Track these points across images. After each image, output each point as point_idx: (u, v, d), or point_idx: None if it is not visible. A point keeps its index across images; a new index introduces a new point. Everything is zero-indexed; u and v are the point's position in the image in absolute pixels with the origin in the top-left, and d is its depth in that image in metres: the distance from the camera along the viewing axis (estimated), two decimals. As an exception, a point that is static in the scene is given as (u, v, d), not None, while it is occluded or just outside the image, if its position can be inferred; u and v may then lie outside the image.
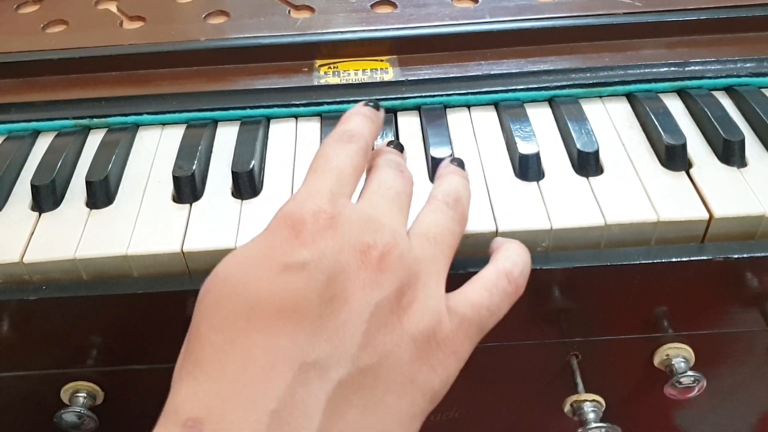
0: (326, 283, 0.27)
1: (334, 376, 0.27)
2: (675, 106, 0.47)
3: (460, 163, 0.38)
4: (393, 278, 0.29)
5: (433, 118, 0.46)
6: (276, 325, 0.26)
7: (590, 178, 0.42)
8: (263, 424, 0.25)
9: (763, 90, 0.47)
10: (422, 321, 0.29)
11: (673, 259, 0.38)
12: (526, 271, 0.34)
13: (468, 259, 0.39)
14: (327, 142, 0.34)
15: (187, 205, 0.42)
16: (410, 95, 0.48)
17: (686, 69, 0.48)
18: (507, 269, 0.33)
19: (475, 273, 0.38)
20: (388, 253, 0.29)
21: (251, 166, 0.43)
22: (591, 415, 0.43)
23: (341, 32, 0.52)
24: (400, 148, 0.38)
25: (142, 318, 0.41)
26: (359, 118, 0.36)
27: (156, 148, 0.46)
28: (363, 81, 0.49)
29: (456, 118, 0.47)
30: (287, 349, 0.26)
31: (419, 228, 0.32)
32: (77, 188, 0.44)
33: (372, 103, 0.37)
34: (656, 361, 0.45)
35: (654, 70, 0.48)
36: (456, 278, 0.38)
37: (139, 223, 0.41)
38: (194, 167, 0.43)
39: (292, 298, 0.27)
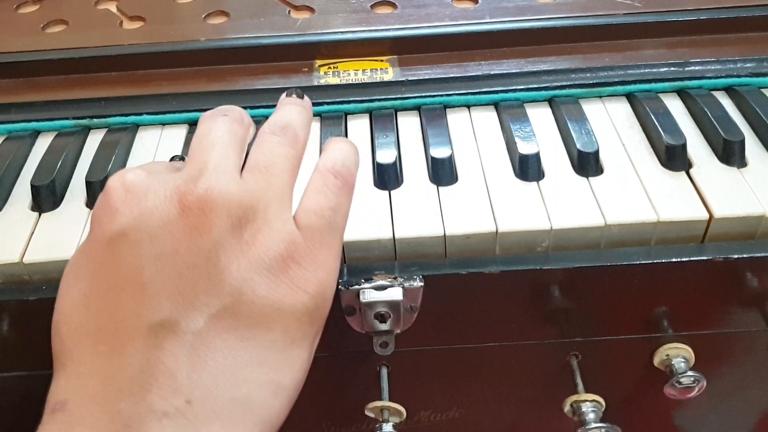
0: (150, 242, 0.28)
1: (186, 329, 0.27)
2: (675, 106, 0.47)
3: (299, 94, 0.38)
4: (221, 216, 0.28)
5: (433, 118, 0.46)
6: (113, 300, 0.27)
7: (590, 178, 0.42)
8: (124, 392, 0.26)
9: (763, 90, 0.47)
10: (271, 247, 0.29)
11: (673, 260, 0.38)
12: (349, 160, 0.34)
13: (468, 260, 0.39)
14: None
15: (187, 205, 0.42)
16: (410, 95, 0.48)
17: (686, 69, 0.48)
18: (328, 167, 0.33)
19: (475, 273, 0.38)
20: (207, 194, 0.28)
21: (251, 166, 0.42)
22: (591, 415, 0.43)
23: (341, 32, 0.52)
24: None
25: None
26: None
27: (156, 148, 0.46)
28: (363, 81, 0.49)
29: (456, 118, 0.47)
30: (129, 318, 0.27)
31: (248, 162, 0.32)
32: (77, 188, 0.44)
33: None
34: (656, 361, 0.45)
35: (654, 70, 0.48)
36: (457, 278, 0.38)
37: (139, 223, 0.40)
38: (194, 167, 0.43)
39: (122, 267, 0.27)
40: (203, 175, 0.29)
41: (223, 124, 0.33)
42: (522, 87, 0.48)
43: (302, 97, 0.37)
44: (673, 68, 0.48)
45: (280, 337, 0.29)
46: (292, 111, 0.36)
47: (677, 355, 0.44)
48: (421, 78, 0.49)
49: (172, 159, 0.39)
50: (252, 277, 0.29)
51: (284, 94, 0.38)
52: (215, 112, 0.34)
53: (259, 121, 0.47)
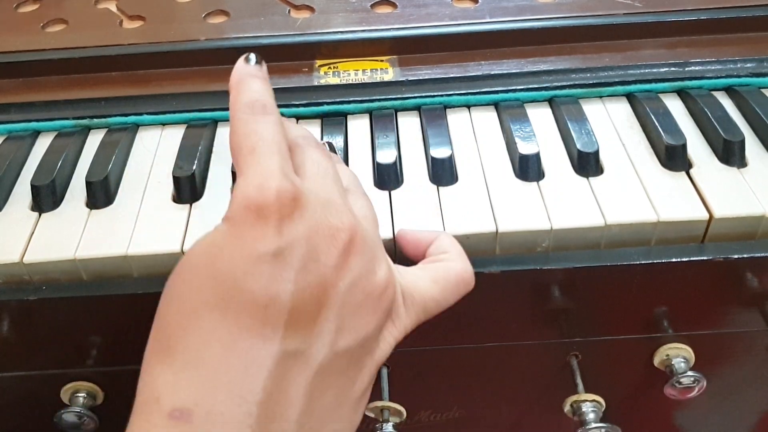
0: (301, 269, 0.27)
1: (313, 363, 0.27)
2: (675, 106, 0.47)
3: (332, 148, 0.39)
4: (361, 260, 0.29)
5: (433, 118, 0.46)
6: (254, 316, 0.26)
7: (590, 179, 0.42)
8: (253, 415, 0.25)
9: (763, 90, 0.47)
10: (388, 299, 0.30)
11: (673, 260, 0.38)
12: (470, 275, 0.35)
13: (469, 260, 0.39)
14: (242, 117, 0.31)
15: (187, 206, 0.42)
16: (410, 95, 0.48)
17: (686, 69, 0.48)
18: (468, 275, 0.34)
19: (476, 273, 0.38)
20: (354, 235, 0.29)
21: (251, 166, 0.42)
22: (591, 415, 0.43)
23: (341, 32, 0.52)
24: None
25: (142, 318, 0.40)
26: (257, 82, 0.34)
27: (156, 148, 0.46)
28: (363, 81, 0.49)
29: (456, 119, 0.47)
30: (267, 340, 0.26)
31: (356, 210, 0.32)
32: (77, 188, 0.43)
33: (254, 59, 0.36)
34: (656, 361, 0.45)
35: (654, 70, 0.48)
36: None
37: (139, 224, 0.41)
38: (194, 167, 0.43)
39: (268, 287, 0.27)
40: (346, 213, 0.30)
41: (328, 157, 0.33)
42: (522, 87, 0.48)
43: (261, 63, 0.36)
44: (673, 68, 0.48)
45: (367, 382, 0.30)
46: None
47: (677, 355, 0.44)
48: (421, 78, 0.49)
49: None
50: (377, 324, 0.30)
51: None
52: (308, 138, 0.34)
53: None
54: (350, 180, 0.35)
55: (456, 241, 0.36)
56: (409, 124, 0.47)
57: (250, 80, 0.34)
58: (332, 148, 0.39)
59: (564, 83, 0.48)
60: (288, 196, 0.27)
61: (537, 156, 0.42)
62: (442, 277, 0.33)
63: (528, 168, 0.42)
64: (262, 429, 0.25)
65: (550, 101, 0.48)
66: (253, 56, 0.35)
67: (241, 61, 0.35)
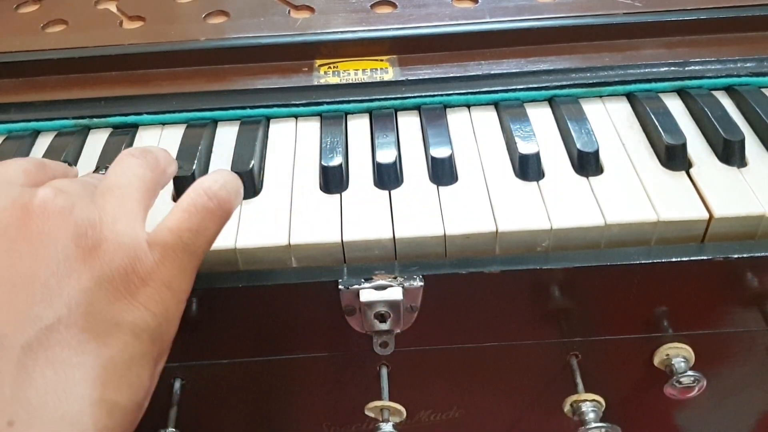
0: None
1: (14, 343, 0.26)
2: (675, 105, 0.47)
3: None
4: (63, 227, 0.28)
5: (433, 117, 0.46)
6: None
7: (590, 178, 0.42)
8: None
9: (763, 90, 0.47)
10: (115, 260, 0.28)
11: (673, 259, 0.38)
12: (231, 185, 0.33)
13: (468, 259, 0.39)
14: None
15: (187, 205, 0.42)
16: (410, 95, 0.48)
17: (686, 69, 0.48)
18: (205, 186, 0.32)
19: (476, 273, 0.38)
20: (49, 204, 0.28)
21: (251, 165, 0.42)
22: (591, 415, 0.43)
23: (341, 32, 0.52)
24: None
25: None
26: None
27: (156, 148, 0.46)
28: (363, 81, 0.49)
29: (456, 118, 0.47)
30: None
31: (104, 182, 0.32)
32: (77, 188, 0.43)
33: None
34: (656, 360, 0.45)
35: (654, 69, 0.48)
36: (457, 278, 0.38)
37: (139, 223, 0.40)
38: (194, 167, 0.43)
39: None
40: (49, 186, 0.29)
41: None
42: (522, 87, 0.48)
43: None
44: (673, 68, 0.48)
45: (117, 354, 0.28)
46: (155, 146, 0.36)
47: (677, 354, 0.44)
48: (421, 78, 0.49)
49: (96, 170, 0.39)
50: (91, 289, 0.28)
51: None
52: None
53: (259, 122, 0.47)
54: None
55: (224, 169, 0.35)
56: (409, 123, 0.47)
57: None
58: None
59: (564, 83, 0.48)
60: None
61: (537, 156, 0.42)
62: (185, 201, 0.32)
63: (528, 168, 0.42)
64: None
65: (550, 101, 0.48)
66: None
67: None
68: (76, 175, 0.38)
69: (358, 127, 0.47)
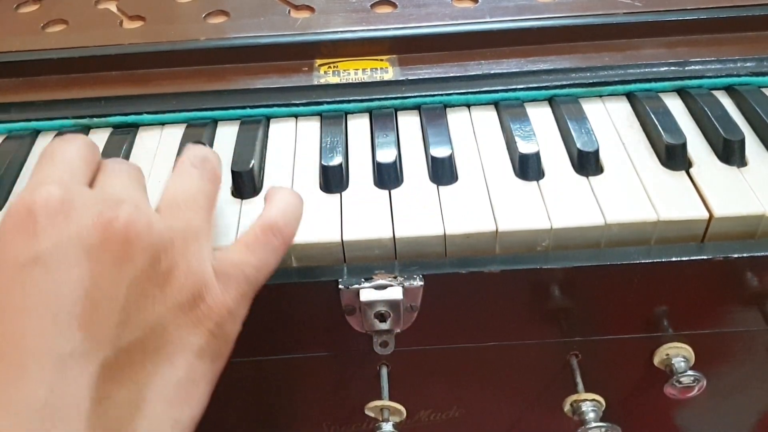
0: (69, 269, 0.27)
1: (94, 361, 0.27)
2: (675, 105, 0.47)
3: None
4: (143, 249, 0.28)
5: (433, 117, 0.46)
6: (23, 325, 0.26)
7: (590, 178, 0.42)
8: (32, 425, 0.25)
9: (763, 89, 0.47)
10: (185, 286, 0.29)
11: (673, 259, 0.38)
12: (293, 215, 0.34)
13: (468, 259, 0.39)
14: (53, 141, 0.33)
15: (187, 205, 0.42)
16: (410, 95, 0.48)
17: (686, 68, 0.48)
18: (271, 221, 0.33)
19: (476, 272, 0.38)
20: (132, 224, 0.28)
21: (251, 165, 0.42)
22: (591, 415, 0.43)
23: (341, 32, 0.52)
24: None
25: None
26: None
27: (156, 148, 0.46)
28: (363, 80, 0.49)
29: (456, 118, 0.47)
30: (39, 346, 0.26)
31: (167, 196, 0.32)
32: (77, 188, 0.43)
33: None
34: (656, 360, 0.45)
35: (654, 69, 0.48)
36: (457, 278, 0.38)
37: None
38: (194, 167, 0.43)
39: (35, 294, 0.26)
40: (123, 205, 0.29)
41: (126, 164, 0.34)
42: (522, 86, 0.48)
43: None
44: (673, 67, 0.48)
45: (184, 375, 0.29)
46: (204, 147, 0.36)
47: (677, 354, 0.44)
48: (421, 77, 0.49)
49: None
50: (164, 314, 0.29)
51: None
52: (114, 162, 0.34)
53: (259, 121, 0.47)
54: (189, 157, 0.35)
55: (280, 189, 0.35)
56: (409, 123, 0.47)
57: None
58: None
59: (564, 82, 0.48)
60: (55, 200, 0.28)
61: (537, 155, 0.42)
62: (251, 237, 0.33)
63: (528, 167, 0.42)
64: None
65: (550, 100, 0.48)
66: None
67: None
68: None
69: (358, 126, 0.47)
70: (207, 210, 0.32)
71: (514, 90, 0.48)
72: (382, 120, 0.47)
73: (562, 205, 0.40)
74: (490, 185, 0.41)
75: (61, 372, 0.26)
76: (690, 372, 0.43)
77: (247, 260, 0.32)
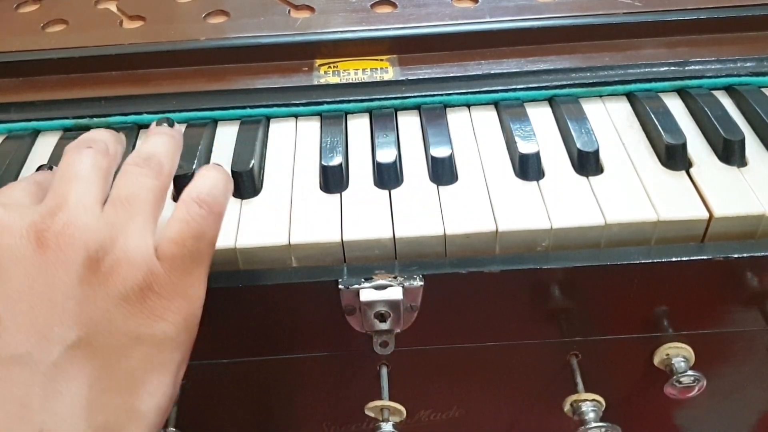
0: (7, 280, 0.28)
1: (40, 361, 0.27)
2: (675, 105, 0.47)
3: (169, 122, 0.39)
4: (77, 251, 0.29)
5: (433, 117, 0.46)
6: None
7: (590, 178, 0.42)
8: None
9: (763, 89, 0.47)
10: (128, 278, 0.30)
11: (673, 259, 0.38)
12: (216, 188, 0.34)
13: (468, 259, 0.39)
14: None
15: (187, 205, 0.42)
16: (410, 95, 0.48)
17: (686, 68, 0.48)
18: (192, 195, 0.33)
19: (476, 272, 0.38)
20: (65, 230, 0.29)
21: (251, 165, 0.42)
22: (591, 415, 0.43)
23: (341, 32, 0.52)
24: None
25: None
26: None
27: (156, 148, 0.46)
28: (363, 80, 0.49)
29: (456, 118, 0.47)
30: None
31: (111, 195, 0.32)
32: (77, 188, 0.43)
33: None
34: (656, 360, 0.45)
35: (654, 69, 0.48)
36: (457, 278, 0.38)
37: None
38: (194, 167, 0.43)
39: None
40: (62, 210, 0.30)
41: (87, 156, 0.33)
42: (522, 86, 0.48)
43: (172, 125, 0.38)
44: (673, 67, 0.48)
45: (139, 365, 0.30)
46: (157, 141, 0.36)
47: (677, 354, 0.44)
48: (421, 77, 0.49)
49: (39, 168, 0.39)
50: (108, 309, 0.29)
51: (154, 123, 0.38)
52: (80, 143, 0.35)
53: (259, 121, 0.47)
54: (138, 151, 0.35)
55: (212, 166, 0.36)
56: (409, 123, 0.47)
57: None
58: (169, 123, 0.39)
59: (564, 82, 0.48)
60: None
61: (537, 155, 0.42)
62: (181, 211, 0.33)
63: (528, 167, 0.42)
64: None
65: (550, 100, 0.48)
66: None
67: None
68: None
69: (358, 126, 0.47)
70: (150, 203, 0.32)
71: (514, 90, 0.48)
72: (382, 120, 0.47)
73: (562, 205, 0.40)
74: (490, 185, 0.41)
75: (6, 374, 0.27)
76: (690, 372, 0.43)
77: (182, 234, 0.32)
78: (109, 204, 0.32)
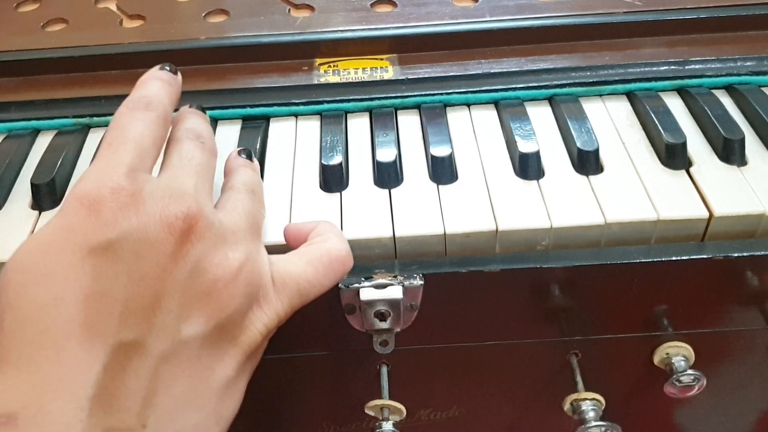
0: (135, 262, 0.27)
1: (154, 353, 0.27)
2: (675, 104, 0.47)
3: (249, 155, 0.40)
4: (203, 246, 0.29)
5: (433, 116, 0.46)
6: (86, 311, 0.26)
7: (590, 177, 0.42)
8: (84, 410, 0.25)
9: (763, 88, 0.47)
10: (248, 290, 0.30)
11: (673, 258, 0.38)
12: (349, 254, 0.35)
13: (468, 258, 0.39)
14: (121, 111, 0.32)
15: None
16: (410, 94, 0.48)
17: (686, 67, 0.48)
18: (344, 255, 0.35)
19: (476, 271, 0.38)
20: (194, 222, 0.29)
21: (251, 164, 0.42)
22: (591, 414, 0.43)
23: (341, 31, 0.52)
24: (202, 110, 0.39)
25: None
26: (156, 82, 0.35)
27: (156, 147, 0.46)
28: (363, 80, 0.49)
29: (456, 117, 0.47)
30: (99, 334, 0.26)
31: (227, 206, 0.33)
32: (77, 187, 0.43)
33: (168, 67, 0.37)
34: (656, 359, 0.45)
35: (654, 68, 0.48)
36: (457, 277, 0.38)
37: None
38: (194, 166, 0.43)
39: (100, 282, 0.26)
40: (189, 201, 0.29)
41: (200, 150, 0.34)
42: (522, 85, 0.48)
43: (175, 73, 0.37)
44: (673, 67, 0.48)
45: (232, 372, 0.30)
46: (254, 177, 0.38)
47: (677, 353, 0.44)
48: (421, 76, 0.49)
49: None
50: (224, 310, 0.29)
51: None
52: (189, 131, 0.35)
53: (259, 121, 0.47)
54: (242, 181, 0.36)
55: (334, 225, 0.37)
56: (409, 122, 0.47)
57: (150, 81, 0.35)
58: (249, 156, 0.40)
59: (564, 82, 0.48)
60: (125, 194, 0.28)
61: (537, 154, 0.42)
62: (316, 257, 0.34)
63: (528, 166, 0.42)
64: (96, 423, 0.25)
65: (550, 100, 0.48)
66: (167, 66, 0.37)
67: (156, 67, 0.37)
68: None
69: (358, 125, 0.47)
70: (257, 229, 0.34)
71: (514, 89, 0.48)
72: (382, 119, 0.47)
73: (562, 204, 0.40)
74: (490, 184, 0.41)
75: (120, 360, 0.26)
76: (690, 371, 0.43)
77: (306, 275, 0.33)
78: (227, 211, 0.33)
